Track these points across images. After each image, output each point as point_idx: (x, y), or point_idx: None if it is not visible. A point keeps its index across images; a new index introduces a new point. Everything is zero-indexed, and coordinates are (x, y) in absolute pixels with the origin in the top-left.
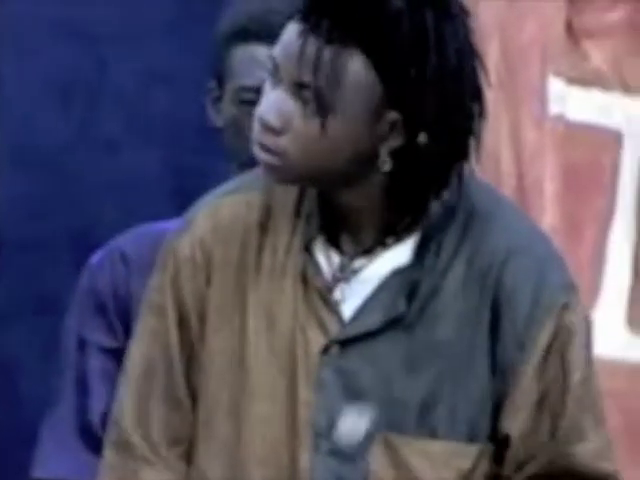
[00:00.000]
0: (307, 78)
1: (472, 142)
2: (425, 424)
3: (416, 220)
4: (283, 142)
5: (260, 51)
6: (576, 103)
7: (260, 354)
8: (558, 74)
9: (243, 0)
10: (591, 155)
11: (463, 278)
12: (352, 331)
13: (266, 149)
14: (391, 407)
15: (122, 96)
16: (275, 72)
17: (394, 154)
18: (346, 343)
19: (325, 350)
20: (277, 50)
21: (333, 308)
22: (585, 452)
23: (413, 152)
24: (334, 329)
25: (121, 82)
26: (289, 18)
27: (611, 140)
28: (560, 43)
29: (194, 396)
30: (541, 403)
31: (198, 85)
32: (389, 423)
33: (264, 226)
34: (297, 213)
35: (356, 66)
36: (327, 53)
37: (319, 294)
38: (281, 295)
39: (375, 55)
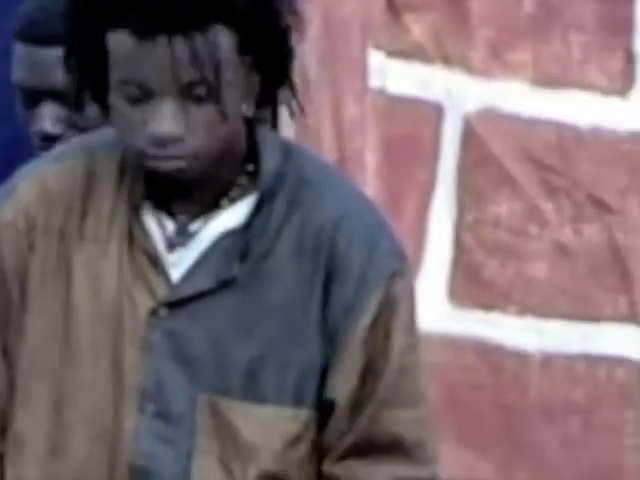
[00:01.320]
0: (191, 75)
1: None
2: (253, 388)
3: (249, 182)
4: (189, 145)
5: (22, 50)
6: (396, 76)
7: (85, 318)
8: (378, 47)
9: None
10: (412, 128)
11: (296, 243)
12: (181, 293)
13: (174, 157)
14: (219, 370)
15: None
16: (150, 90)
17: None
18: (175, 305)
19: (153, 312)
20: (142, 70)
21: (161, 270)
22: (404, 418)
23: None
24: (162, 291)
25: None
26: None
27: (432, 113)
28: (380, 16)
29: (9, 361)
30: (366, 371)
31: None
32: (217, 386)
33: (87, 193)
34: (120, 179)
35: (224, 40)
36: (199, 41)
37: (147, 257)
38: (106, 259)
39: (231, 22)
